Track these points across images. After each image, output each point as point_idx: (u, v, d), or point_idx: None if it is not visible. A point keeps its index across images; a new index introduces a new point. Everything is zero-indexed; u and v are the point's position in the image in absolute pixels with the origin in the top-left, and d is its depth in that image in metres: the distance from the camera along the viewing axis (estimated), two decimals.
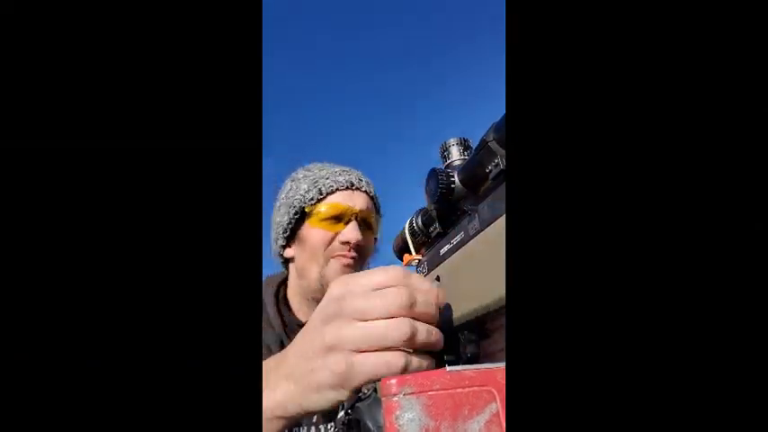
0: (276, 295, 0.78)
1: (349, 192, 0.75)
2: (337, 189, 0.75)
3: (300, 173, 0.80)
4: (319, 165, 0.81)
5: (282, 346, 0.71)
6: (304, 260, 0.75)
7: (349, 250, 0.72)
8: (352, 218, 0.74)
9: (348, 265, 0.72)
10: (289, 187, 0.79)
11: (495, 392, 0.30)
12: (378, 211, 0.83)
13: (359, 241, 0.70)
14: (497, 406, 0.30)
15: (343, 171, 0.79)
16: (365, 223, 0.76)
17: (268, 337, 0.72)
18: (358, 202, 0.76)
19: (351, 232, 0.72)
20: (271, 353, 0.71)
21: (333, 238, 0.73)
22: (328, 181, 0.75)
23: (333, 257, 0.72)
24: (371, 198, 0.80)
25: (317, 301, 0.72)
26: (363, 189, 0.78)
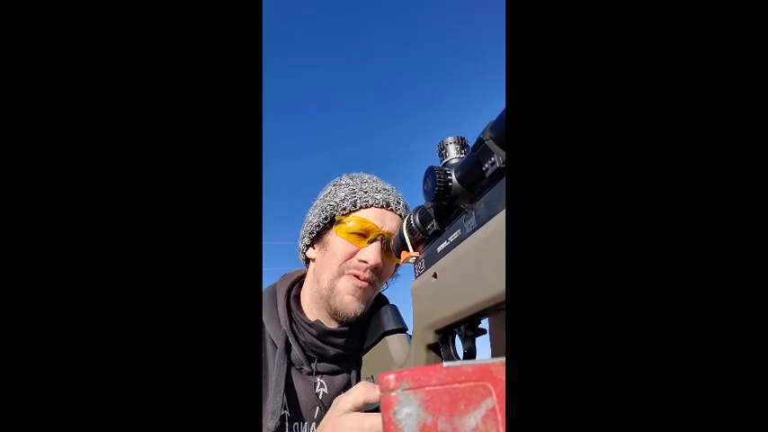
0: (289, 292, 0.78)
1: (382, 211, 0.74)
2: (372, 206, 0.74)
3: (344, 179, 0.80)
4: (366, 176, 0.80)
5: (288, 343, 0.71)
6: (322, 265, 0.75)
7: (365, 270, 0.71)
8: (378, 238, 0.73)
9: (361, 288, 0.72)
10: (329, 191, 0.79)
11: (492, 387, 0.30)
12: None
13: (377, 264, 0.69)
14: (493, 401, 0.30)
15: (384, 189, 0.78)
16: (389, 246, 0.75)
17: (275, 333, 0.72)
18: (388, 223, 0.74)
19: (371, 252, 0.71)
20: (276, 349, 0.70)
21: (353, 254, 0.73)
22: (366, 195, 0.75)
23: (347, 273, 0.72)
24: None
25: (326, 307, 0.71)
26: (399, 213, 0.77)
